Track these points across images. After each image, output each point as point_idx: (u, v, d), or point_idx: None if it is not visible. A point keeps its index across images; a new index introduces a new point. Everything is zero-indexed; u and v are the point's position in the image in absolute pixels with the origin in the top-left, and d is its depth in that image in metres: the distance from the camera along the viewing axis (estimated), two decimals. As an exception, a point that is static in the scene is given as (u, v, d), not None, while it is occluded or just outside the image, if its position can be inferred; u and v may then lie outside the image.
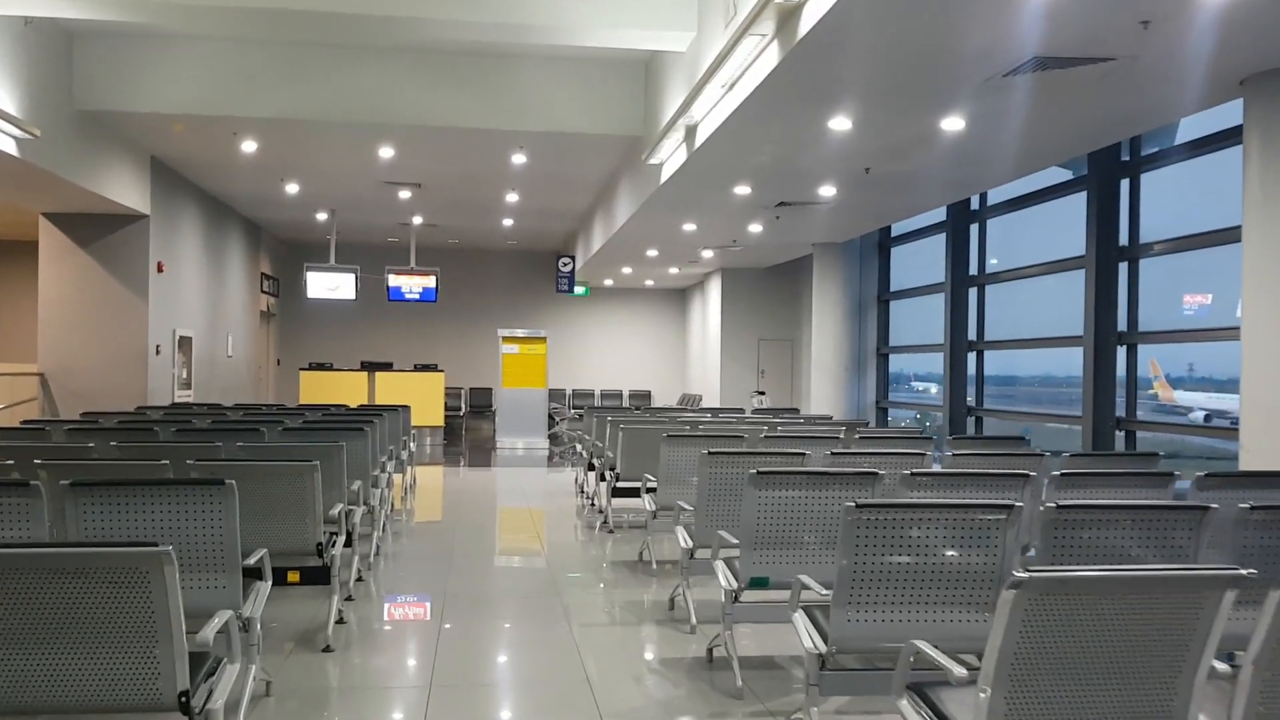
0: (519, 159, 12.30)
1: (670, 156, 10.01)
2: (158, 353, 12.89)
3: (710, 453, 5.28)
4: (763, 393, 18.11)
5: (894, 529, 3.26)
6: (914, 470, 4.38)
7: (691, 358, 22.40)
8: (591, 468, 10.47)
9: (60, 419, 9.45)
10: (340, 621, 5.41)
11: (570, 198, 15.36)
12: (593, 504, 10.17)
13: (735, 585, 4.44)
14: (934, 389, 14.90)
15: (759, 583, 4.38)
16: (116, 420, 7.74)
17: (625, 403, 22.49)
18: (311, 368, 17.16)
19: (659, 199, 11.31)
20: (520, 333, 17.15)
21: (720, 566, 4.64)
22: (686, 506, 5.75)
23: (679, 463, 6.65)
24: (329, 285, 16.71)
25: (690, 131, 9.08)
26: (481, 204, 15.93)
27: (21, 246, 16.29)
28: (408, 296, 17.04)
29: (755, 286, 18.90)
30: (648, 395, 22.74)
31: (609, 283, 21.45)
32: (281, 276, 20.64)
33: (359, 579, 6.46)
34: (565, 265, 17.39)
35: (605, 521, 9.05)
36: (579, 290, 20.91)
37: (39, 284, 12.34)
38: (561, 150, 11.84)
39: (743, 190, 10.82)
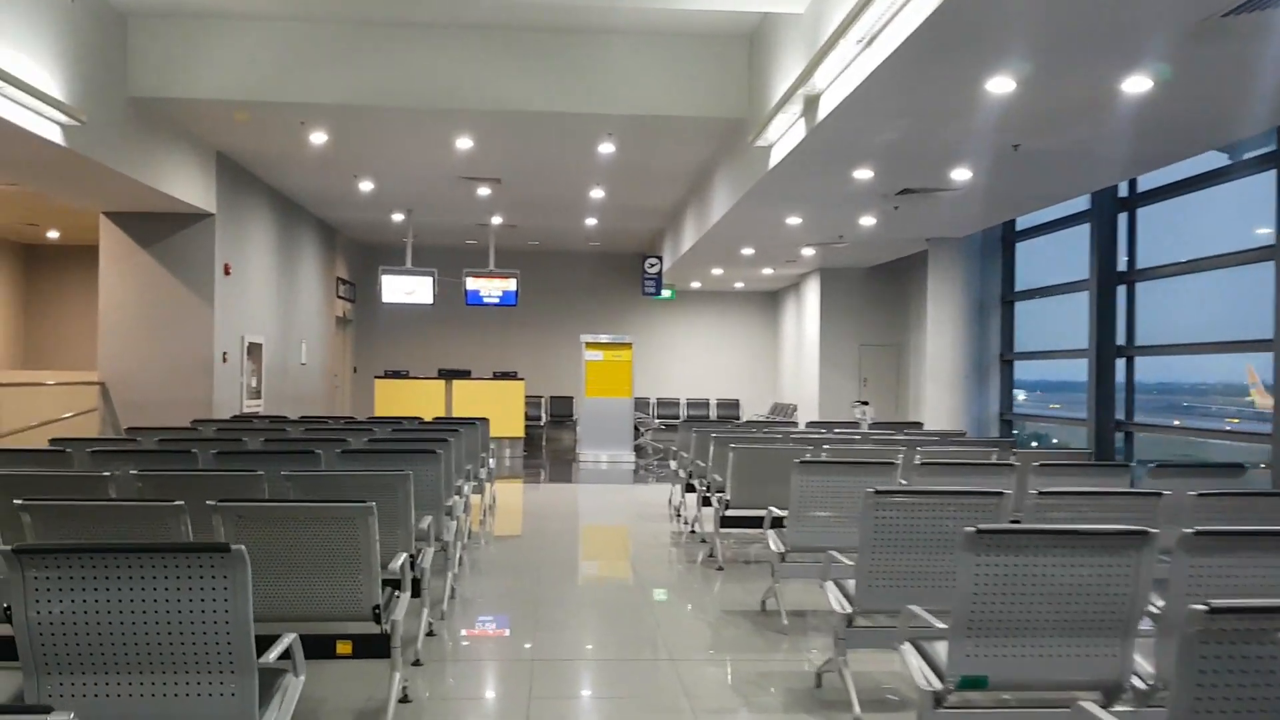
0: (606, 148, 11.20)
1: (782, 136, 8.78)
2: (224, 360, 12.11)
3: (878, 492, 4.04)
4: (865, 403, 16.68)
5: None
6: (1201, 529, 3.08)
7: (783, 364, 21.07)
8: (690, 489, 9.28)
9: (96, 438, 8.62)
10: (404, 700, 4.31)
11: (659, 192, 14.23)
12: (693, 531, 8.98)
13: (937, 684, 3.20)
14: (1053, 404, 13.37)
15: (975, 683, 3.13)
16: (158, 439, 6.82)
17: (712, 412, 21.27)
18: (387, 376, 16.32)
19: (764, 188, 10.08)
20: (604, 338, 16.07)
21: (911, 654, 3.39)
22: (842, 558, 4.51)
23: (815, 494, 5.42)
24: (405, 289, 15.85)
25: (811, 104, 7.83)
26: (564, 201, 14.90)
27: (88, 252, 15.81)
28: (486, 301, 16.10)
29: (857, 288, 17.51)
30: (736, 404, 21.47)
31: (696, 285, 20.26)
32: (358, 281, 19.93)
33: (429, 633, 5.37)
34: (652, 267, 16.27)
35: (711, 555, 7.85)
36: (665, 293, 19.76)
37: (99, 287, 11.66)
38: (653, 137, 10.70)
39: (863, 175, 9.52)
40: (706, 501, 8.59)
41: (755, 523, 6.72)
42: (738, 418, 21.27)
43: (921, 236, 13.68)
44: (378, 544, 3.81)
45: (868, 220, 12.19)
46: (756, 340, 21.79)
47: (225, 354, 12.14)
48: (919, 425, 11.45)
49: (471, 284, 15.99)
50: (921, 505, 4.05)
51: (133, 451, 5.73)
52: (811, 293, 17.82)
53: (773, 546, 5.79)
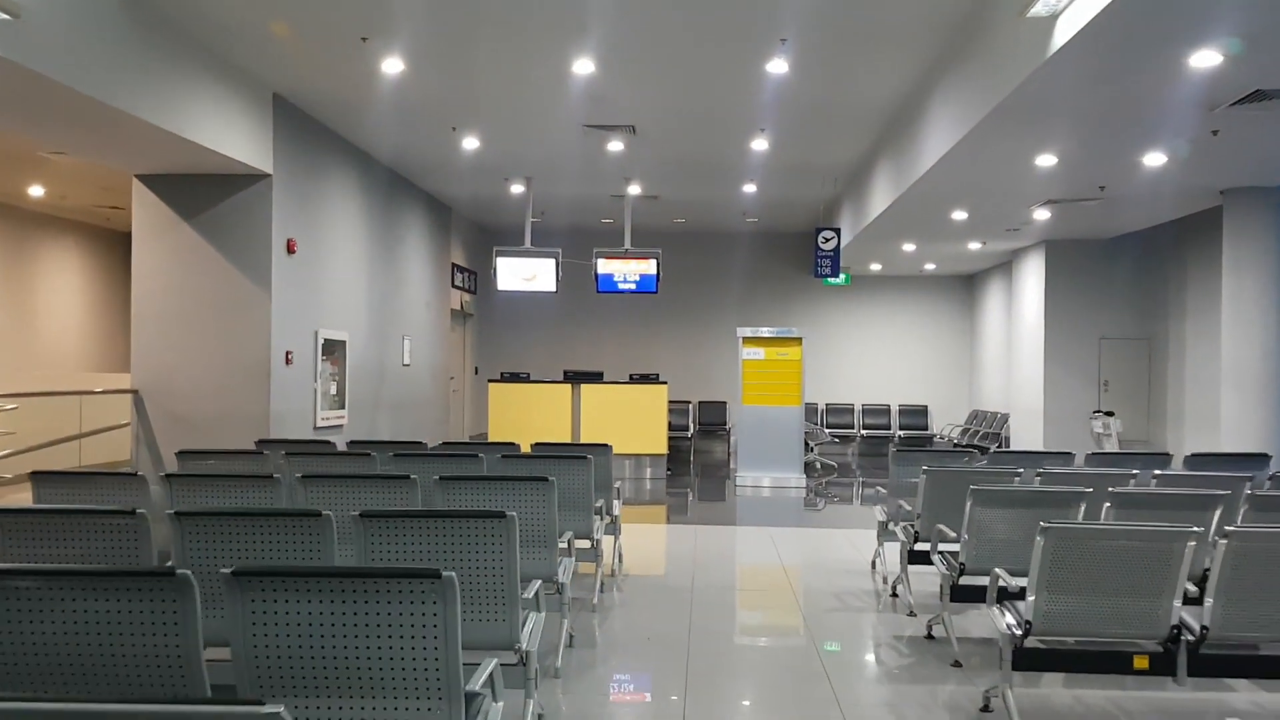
0: (776, 67, 8.02)
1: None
2: (288, 362, 9.57)
3: None
4: (1109, 414, 12.85)
5: None
6: None
7: (984, 363, 17.26)
8: (918, 559, 5.99)
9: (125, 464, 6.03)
10: None
11: (842, 140, 10.91)
12: (929, 635, 5.68)
13: None
14: None
15: None
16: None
17: (893, 421, 17.67)
18: (503, 379, 13.60)
19: (1028, 96, 6.64)
20: (766, 332, 12.82)
21: None
22: None
23: None
24: (524, 274, 13.07)
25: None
26: (716, 160, 11.79)
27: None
28: (621, 287, 13.13)
29: (1095, 265, 13.62)
30: (924, 412, 17.79)
31: (876, 268, 16.73)
32: (479, 269, 17.39)
33: None
34: (828, 241, 12.94)
35: (987, 708, 4.52)
36: (839, 278, 16.32)
37: (131, 269, 9.30)
38: (845, 39, 7.45)
39: (1205, 61, 5.95)
40: (923, 557, 5.45)
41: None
42: (926, 429, 17.62)
43: (1214, 188, 9.85)
44: None
45: (1154, 158, 8.51)
46: (948, 333, 18.04)
47: (290, 353, 9.60)
48: (1264, 459, 7.67)
49: (603, 267, 13.06)
50: None
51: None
52: (1032, 272, 14.02)
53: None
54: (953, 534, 5.36)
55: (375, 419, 12.11)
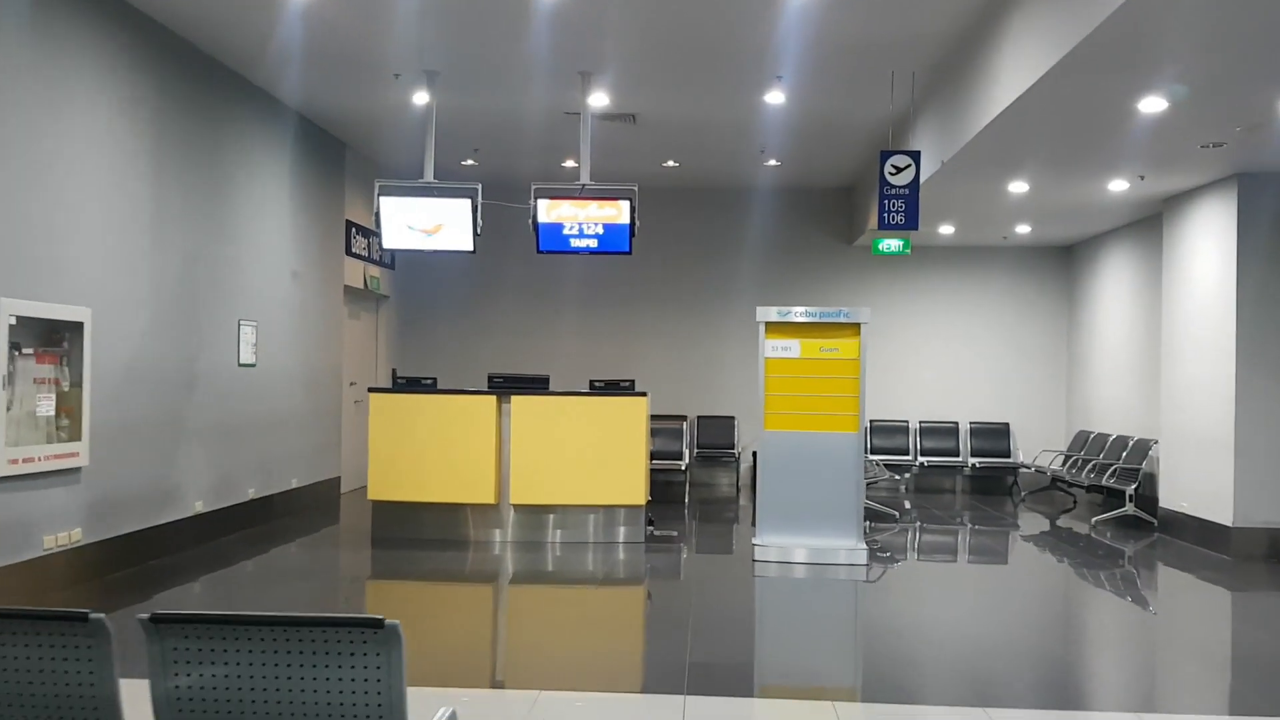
0: None
1: None
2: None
3: None
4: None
5: None
6: None
7: (1090, 365, 12.53)
8: None
9: None
10: None
11: (918, 11, 6.25)
12: None
13: None
14: None
15: None
16: None
17: (963, 445, 12.95)
18: (397, 388, 8.88)
19: None
20: (801, 314, 8.04)
21: None
22: None
23: None
24: (424, 222, 8.39)
25: None
26: (725, 41, 7.12)
27: None
28: (576, 245, 8.42)
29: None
30: (1005, 432, 13.05)
31: (946, 231, 11.96)
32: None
33: None
34: (899, 171, 8.22)
35: None
36: (892, 244, 11.62)
37: None
38: None
39: None
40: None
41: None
42: (1008, 455, 12.89)
43: None
44: None
45: None
46: (1039, 324, 13.30)
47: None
48: None
49: (547, 212, 8.35)
50: None
51: None
52: (1209, 226, 9.19)
53: None
54: None
55: (174, 453, 7.45)
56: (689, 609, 6.47)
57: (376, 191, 8.33)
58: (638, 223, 8.34)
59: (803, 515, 7.87)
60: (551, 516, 8.47)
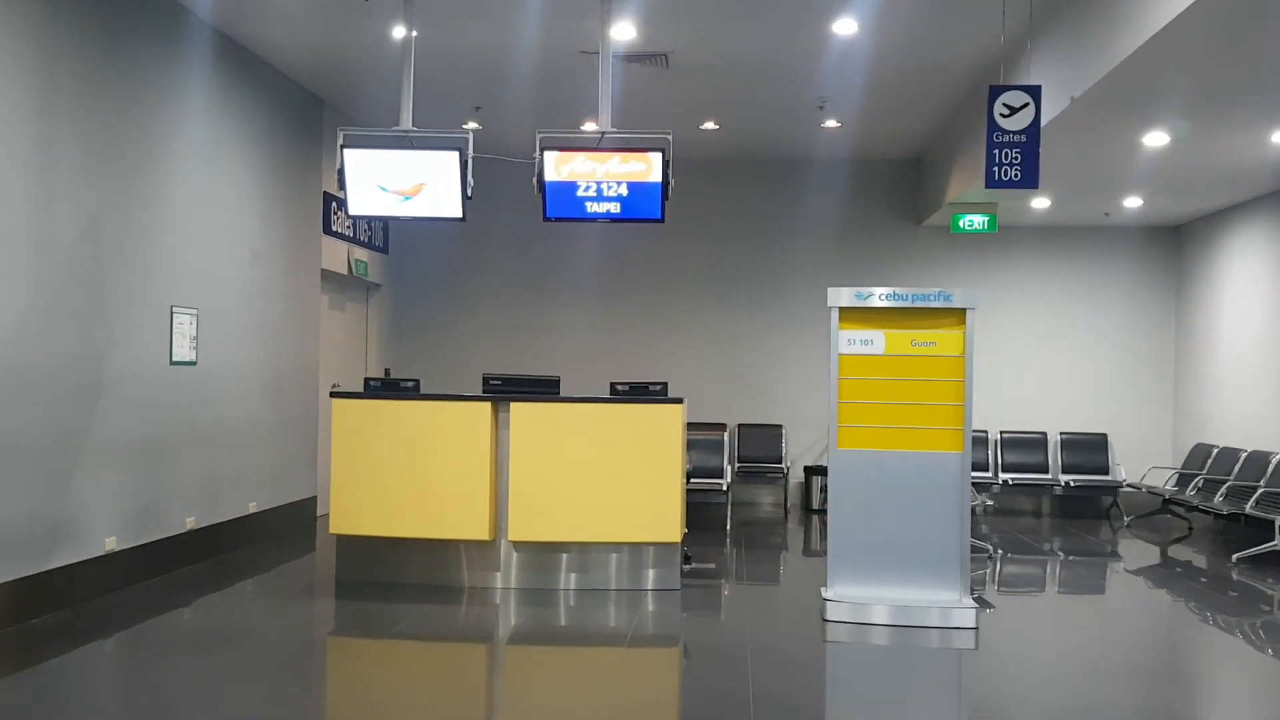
0: None
1: None
2: None
3: None
4: None
5: None
6: None
7: (1209, 364, 10.55)
8: None
9: None
10: None
11: None
12: None
13: None
14: None
15: None
16: None
17: (1052, 460, 10.99)
18: (370, 392, 7.08)
19: None
20: (884, 297, 6.13)
21: None
22: None
23: None
24: (399, 182, 6.60)
25: None
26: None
27: None
28: (593, 210, 6.59)
29: None
30: (1102, 444, 11.08)
31: (1041, 205, 10.01)
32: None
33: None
34: (1014, 112, 6.33)
35: None
36: (974, 220, 9.79)
37: None
38: None
39: None
40: None
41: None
42: (1107, 472, 10.93)
43: None
44: None
45: None
46: (1141, 319, 11.34)
47: None
48: None
49: (556, 169, 6.53)
50: None
51: None
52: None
53: None
54: None
55: (70, 477, 5.71)
56: (742, 690, 4.63)
57: (340, 142, 6.56)
58: (672, 181, 6.51)
59: (888, 561, 6.01)
60: (564, 557, 6.65)
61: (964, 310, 6.04)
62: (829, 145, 10.43)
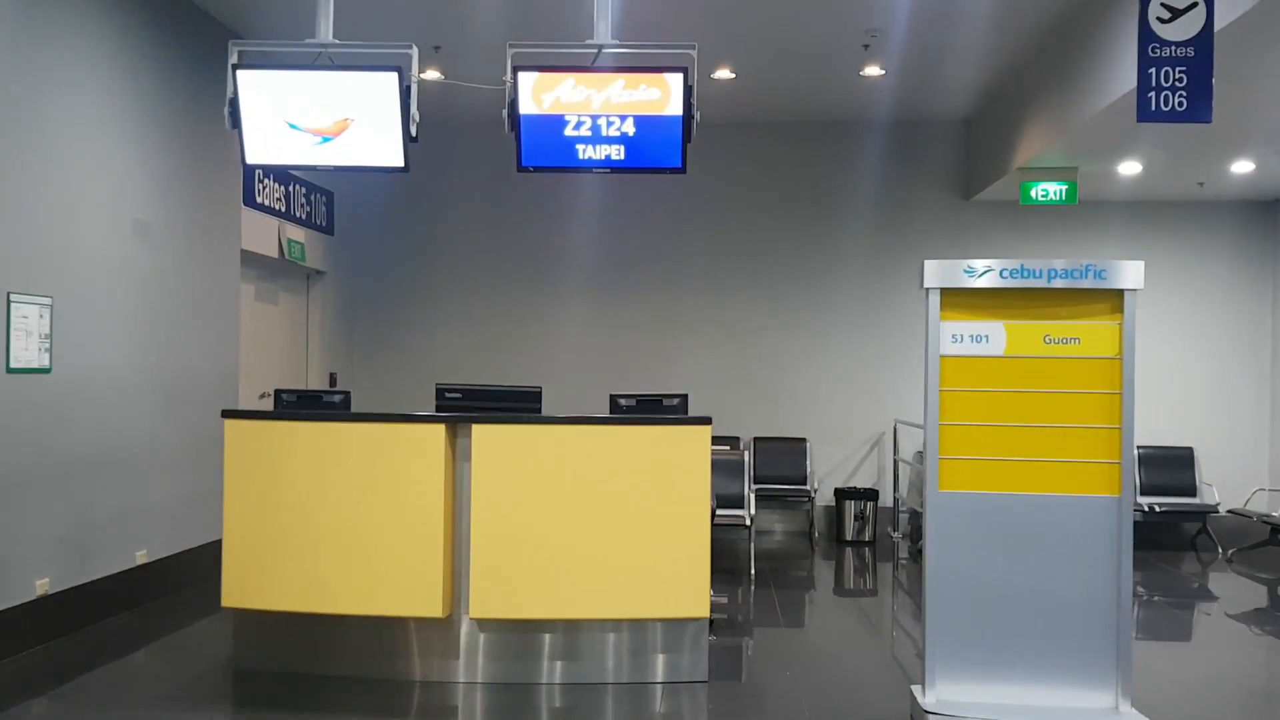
0: None
1: None
2: None
3: None
4: None
5: None
6: None
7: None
8: None
9: None
10: None
11: None
12: None
13: None
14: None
15: None
16: None
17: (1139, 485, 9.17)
18: (280, 409, 5.18)
19: None
20: (1008, 275, 4.33)
21: None
22: None
23: None
24: (316, 118, 4.71)
25: None
26: None
27: None
28: (586, 156, 4.73)
29: None
30: (1188, 460, 9.34)
31: (1129, 170, 8.20)
32: (338, 184, 9.15)
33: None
34: (1174, 15, 4.58)
35: None
36: (1052, 190, 8.01)
37: None
38: None
39: None
40: None
41: None
42: (1194, 493, 9.18)
43: None
44: None
45: None
46: (1229, 311, 9.58)
47: None
48: None
49: (534, 96, 4.67)
50: None
51: None
52: None
53: None
54: None
55: None
56: None
57: (231, 61, 4.68)
58: (697, 116, 4.67)
59: (1014, 649, 4.20)
60: (547, 639, 4.80)
61: (1120, 292, 4.23)
62: (867, 101, 8.61)
